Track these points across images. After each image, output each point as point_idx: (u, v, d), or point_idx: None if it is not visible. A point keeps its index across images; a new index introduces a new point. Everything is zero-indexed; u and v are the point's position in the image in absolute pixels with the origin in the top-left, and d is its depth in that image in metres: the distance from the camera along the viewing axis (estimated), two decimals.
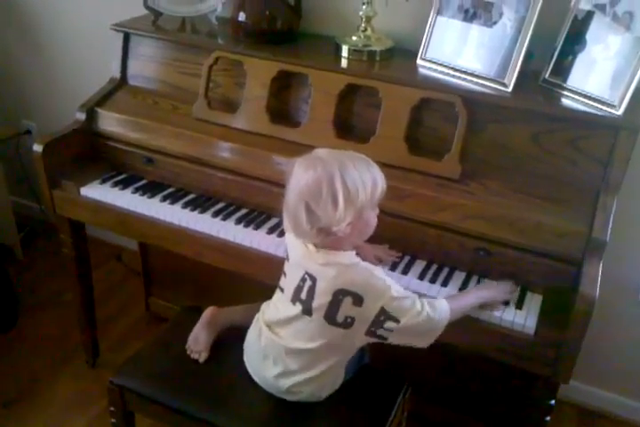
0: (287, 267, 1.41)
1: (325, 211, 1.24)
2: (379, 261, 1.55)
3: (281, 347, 1.40)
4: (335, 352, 1.39)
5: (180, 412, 1.48)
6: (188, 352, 1.59)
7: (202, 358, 1.57)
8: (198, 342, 1.59)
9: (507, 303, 1.44)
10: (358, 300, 1.28)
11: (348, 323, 1.31)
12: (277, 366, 1.42)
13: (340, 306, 1.30)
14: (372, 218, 1.32)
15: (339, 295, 1.29)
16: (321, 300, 1.31)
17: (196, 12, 1.98)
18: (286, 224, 1.36)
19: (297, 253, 1.37)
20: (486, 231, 1.48)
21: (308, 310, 1.34)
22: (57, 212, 1.90)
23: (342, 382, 1.47)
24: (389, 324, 1.29)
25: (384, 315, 1.29)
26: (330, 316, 1.32)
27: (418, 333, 1.32)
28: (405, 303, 1.30)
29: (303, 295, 1.34)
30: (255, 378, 1.49)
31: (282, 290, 1.43)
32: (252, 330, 1.51)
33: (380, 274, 1.31)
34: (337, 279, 1.29)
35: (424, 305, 1.31)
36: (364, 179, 1.25)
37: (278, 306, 1.43)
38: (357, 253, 1.37)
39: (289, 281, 1.39)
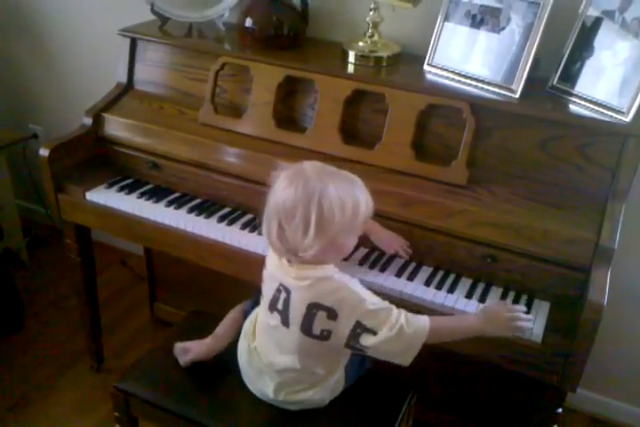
0: (265, 274, 1.39)
1: (295, 235, 1.22)
2: (392, 250, 1.54)
3: (270, 365, 1.39)
4: (323, 363, 1.37)
5: (184, 418, 1.47)
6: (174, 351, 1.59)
7: (181, 362, 1.57)
8: (185, 357, 1.56)
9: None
10: (332, 314, 1.26)
11: (324, 336, 1.29)
12: (273, 381, 1.41)
13: (314, 319, 1.28)
14: (347, 243, 1.29)
15: (312, 309, 1.27)
16: (296, 312, 1.30)
17: (203, 17, 1.98)
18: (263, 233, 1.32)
19: (272, 264, 1.35)
20: (493, 238, 1.47)
21: (285, 321, 1.32)
22: (62, 216, 1.90)
23: (346, 388, 1.46)
24: (366, 337, 1.26)
25: (360, 328, 1.26)
26: (306, 328, 1.30)
27: (396, 346, 1.27)
28: (380, 315, 1.26)
29: (279, 306, 1.33)
30: (255, 393, 1.48)
31: (264, 297, 1.40)
32: (242, 347, 1.49)
33: (355, 287, 1.28)
34: (309, 293, 1.27)
35: (399, 318, 1.26)
36: (343, 204, 1.20)
37: (259, 312, 1.43)
38: (369, 236, 1.42)
39: (267, 289, 1.37)
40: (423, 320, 1.28)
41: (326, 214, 1.19)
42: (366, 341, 1.26)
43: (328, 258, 1.30)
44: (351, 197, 1.23)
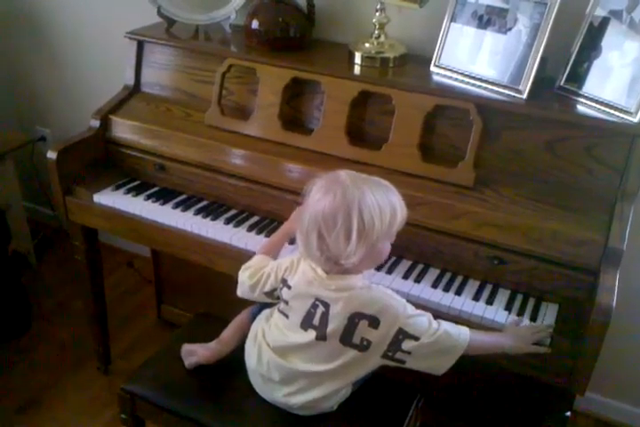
0: (287, 295, 1.36)
1: (337, 243, 1.22)
2: None
3: (292, 370, 1.37)
4: (348, 373, 1.37)
5: (191, 420, 1.47)
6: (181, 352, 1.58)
7: (186, 364, 1.56)
8: (191, 358, 1.55)
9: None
10: (374, 322, 1.27)
11: (364, 345, 1.30)
12: (287, 386, 1.39)
13: (355, 329, 1.28)
14: (385, 249, 1.30)
15: (354, 319, 1.28)
16: (336, 325, 1.29)
17: (209, 19, 1.98)
18: (299, 246, 1.31)
19: (304, 280, 1.33)
20: (501, 239, 1.47)
21: (322, 336, 1.32)
22: (70, 218, 1.91)
23: (353, 391, 1.45)
24: (408, 343, 1.27)
25: (402, 334, 1.27)
26: (345, 338, 1.30)
27: (436, 352, 1.28)
28: (422, 321, 1.28)
29: (316, 321, 1.32)
30: (263, 397, 1.47)
31: (286, 316, 1.38)
32: (251, 352, 1.47)
33: (394, 295, 1.30)
34: (352, 303, 1.28)
35: (441, 323, 1.29)
36: (382, 210, 1.22)
37: (285, 332, 1.39)
38: None
39: (294, 309, 1.36)
40: (464, 330, 1.31)
41: (367, 221, 1.20)
42: (407, 345, 1.27)
43: (366, 265, 1.31)
44: (388, 203, 1.24)
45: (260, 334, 1.45)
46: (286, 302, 1.37)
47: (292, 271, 1.36)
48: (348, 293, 1.28)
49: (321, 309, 1.30)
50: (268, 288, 1.42)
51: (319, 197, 1.24)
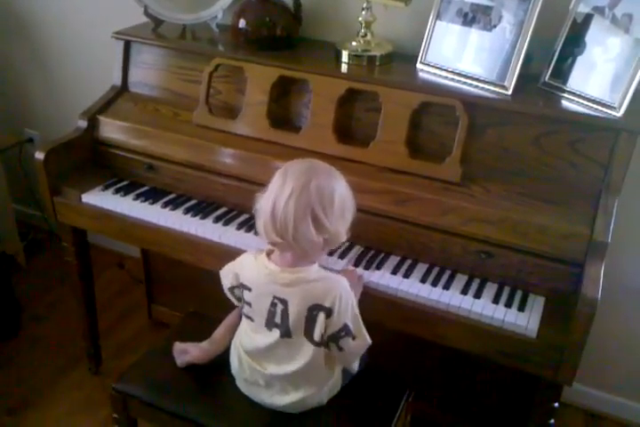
0: (249, 297, 1.37)
1: (333, 220, 1.24)
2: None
3: (270, 375, 1.39)
4: (323, 367, 1.39)
5: (183, 418, 1.47)
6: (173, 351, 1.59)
7: (178, 363, 1.57)
8: (183, 358, 1.56)
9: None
10: (329, 313, 1.28)
11: (324, 341, 1.33)
12: (271, 389, 1.41)
13: (316, 322, 1.30)
14: None
15: (313, 311, 1.29)
16: (297, 318, 1.30)
17: (196, 19, 1.99)
18: (269, 242, 1.30)
19: (259, 279, 1.34)
20: (488, 234, 1.48)
21: (287, 333, 1.32)
22: (59, 219, 1.90)
23: (344, 385, 1.47)
24: (345, 340, 1.31)
25: (345, 330, 1.30)
26: (309, 333, 1.31)
27: (355, 355, 1.37)
28: (360, 321, 1.32)
29: (277, 319, 1.33)
30: (252, 398, 1.47)
31: (251, 319, 1.39)
32: (233, 356, 1.49)
33: (348, 287, 1.31)
34: (308, 295, 1.29)
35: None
36: (338, 175, 1.30)
37: (252, 335, 1.40)
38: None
39: (257, 310, 1.36)
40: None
41: (347, 196, 1.27)
42: (346, 343, 1.31)
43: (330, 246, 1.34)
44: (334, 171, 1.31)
45: (238, 339, 1.47)
46: (249, 305, 1.38)
47: (244, 271, 1.38)
48: (302, 286, 1.29)
49: (280, 306, 1.31)
50: (227, 285, 1.43)
51: (292, 181, 1.24)
